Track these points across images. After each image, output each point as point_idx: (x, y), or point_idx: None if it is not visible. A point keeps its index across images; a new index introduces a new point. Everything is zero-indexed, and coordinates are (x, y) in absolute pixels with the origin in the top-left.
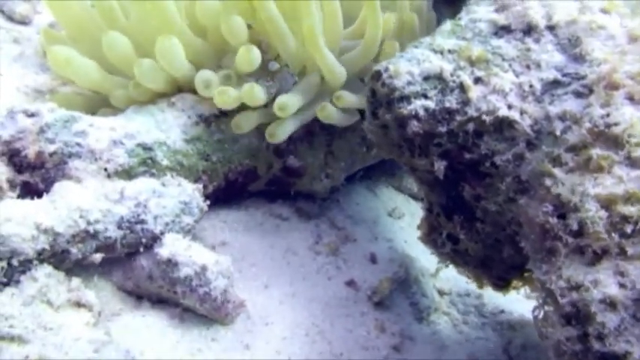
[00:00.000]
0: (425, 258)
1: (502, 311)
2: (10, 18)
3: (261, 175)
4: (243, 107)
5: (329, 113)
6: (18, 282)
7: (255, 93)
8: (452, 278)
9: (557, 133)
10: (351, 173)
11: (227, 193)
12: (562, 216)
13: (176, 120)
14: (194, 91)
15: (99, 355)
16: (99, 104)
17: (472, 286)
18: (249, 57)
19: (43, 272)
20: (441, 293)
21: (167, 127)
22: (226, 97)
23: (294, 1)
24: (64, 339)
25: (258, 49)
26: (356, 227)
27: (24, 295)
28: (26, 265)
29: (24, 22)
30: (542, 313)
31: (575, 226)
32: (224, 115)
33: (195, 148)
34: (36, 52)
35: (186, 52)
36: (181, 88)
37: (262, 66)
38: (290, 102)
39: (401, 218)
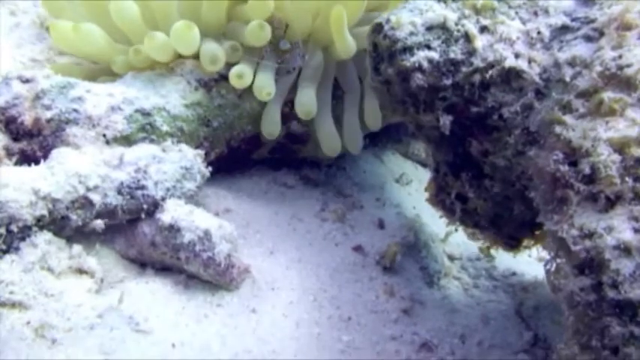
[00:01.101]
0: (434, 223)
1: (514, 273)
2: None
3: (264, 142)
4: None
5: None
6: (18, 249)
7: (268, 91)
8: (462, 243)
9: (567, 79)
10: None
11: (230, 161)
12: (573, 163)
13: (175, 85)
14: (194, 57)
15: (102, 321)
16: (98, 74)
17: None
18: (261, 34)
19: (43, 239)
20: (452, 258)
21: (166, 93)
22: (245, 80)
23: None
24: (65, 305)
25: (270, 24)
26: (363, 194)
27: (24, 262)
28: (25, 232)
29: None
30: (554, 266)
31: (587, 171)
32: (224, 79)
33: (195, 114)
34: (33, 22)
35: (189, 19)
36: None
37: (273, 42)
38: (310, 101)
39: (409, 184)
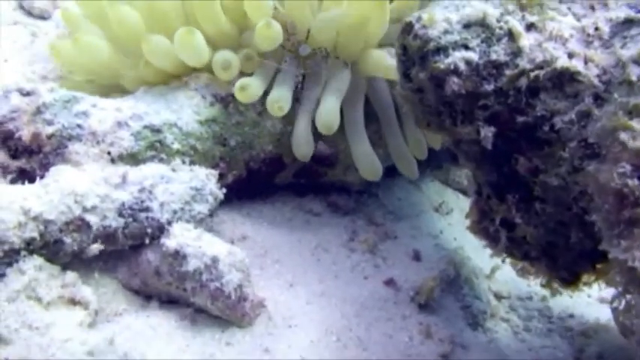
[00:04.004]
0: (478, 257)
1: (571, 315)
2: (30, 13)
3: (287, 164)
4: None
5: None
6: (3, 275)
7: (282, 106)
8: (510, 280)
9: (634, 79)
10: (391, 164)
11: (250, 185)
12: None
13: (189, 100)
14: (210, 70)
15: (91, 359)
16: (110, 91)
17: (535, 288)
18: (269, 33)
19: (33, 264)
20: (499, 297)
21: (178, 108)
22: (250, 92)
23: None
24: (51, 340)
25: (285, 31)
26: (397, 224)
27: (8, 290)
28: (13, 257)
29: (43, 16)
30: (623, 303)
31: None
32: None
33: (210, 131)
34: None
35: (203, 30)
36: (196, 69)
37: (292, 48)
38: (334, 114)
39: (449, 214)
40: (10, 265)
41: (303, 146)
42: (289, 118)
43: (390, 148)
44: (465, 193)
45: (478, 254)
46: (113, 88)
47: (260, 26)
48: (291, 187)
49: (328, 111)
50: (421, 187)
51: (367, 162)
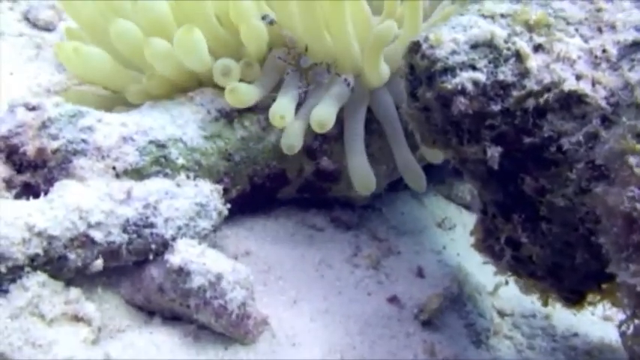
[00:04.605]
0: (482, 274)
1: (575, 334)
2: (35, 25)
3: (291, 180)
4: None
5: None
6: (6, 291)
7: (284, 118)
8: (514, 297)
9: None
10: (395, 179)
11: (254, 200)
12: None
13: (194, 115)
14: (216, 85)
15: None
16: (114, 103)
17: (538, 306)
18: (252, 32)
19: (36, 280)
20: (502, 314)
21: (184, 123)
22: (238, 94)
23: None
24: (54, 357)
25: (285, 45)
26: (400, 239)
27: (11, 307)
28: (16, 273)
29: (47, 28)
30: (631, 328)
31: None
32: (248, 109)
33: (215, 147)
34: (54, 53)
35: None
36: (202, 81)
37: (293, 62)
38: (327, 116)
39: (452, 230)
40: (13, 281)
41: (291, 137)
42: None
43: (396, 160)
44: (468, 208)
45: (481, 270)
46: (117, 101)
47: (243, 29)
48: (294, 201)
49: (323, 110)
50: (424, 201)
51: (362, 174)
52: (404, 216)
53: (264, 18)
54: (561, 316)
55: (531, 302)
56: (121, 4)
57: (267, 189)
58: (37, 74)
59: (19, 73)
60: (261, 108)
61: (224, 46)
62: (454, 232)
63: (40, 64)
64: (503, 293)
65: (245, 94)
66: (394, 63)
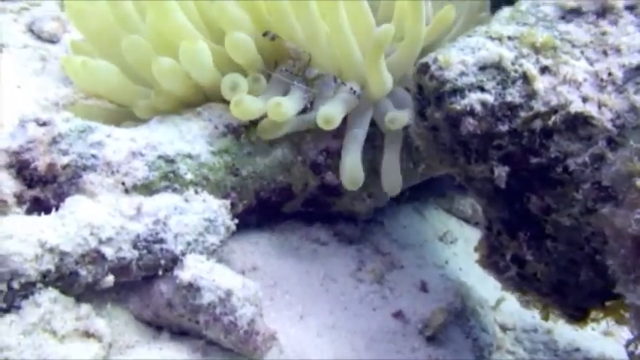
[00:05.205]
0: (483, 288)
1: (577, 349)
2: (39, 36)
3: (296, 194)
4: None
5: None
6: (19, 308)
7: (283, 110)
8: (515, 312)
9: None
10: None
11: (259, 214)
12: None
13: (202, 130)
14: (223, 100)
15: None
16: (122, 118)
17: (540, 320)
18: (237, 44)
19: (48, 297)
20: (504, 328)
21: (192, 138)
22: (243, 106)
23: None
24: None
25: (289, 58)
26: (403, 253)
27: (24, 323)
28: (28, 289)
29: (52, 40)
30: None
31: None
32: (255, 125)
33: (222, 162)
34: (61, 67)
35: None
36: (209, 97)
37: (299, 73)
38: (334, 113)
39: (454, 243)
40: (25, 297)
41: (268, 135)
42: (299, 148)
43: (383, 161)
44: (468, 221)
45: (483, 284)
46: (125, 115)
47: (227, 41)
48: (298, 214)
49: (330, 107)
50: (425, 215)
51: (352, 170)
52: (406, 229)
53: (265, 34)
54: (563, 330)
55: (532, 317)
56: (129, 17)
57: (273, 203)
58: (43, 87)
59: (27, 86)
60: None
61: (229, 61)
62: (455, 246)
63: (46, 77)
64: (504, 307)
65: (250, 105)
66: (398, 72)
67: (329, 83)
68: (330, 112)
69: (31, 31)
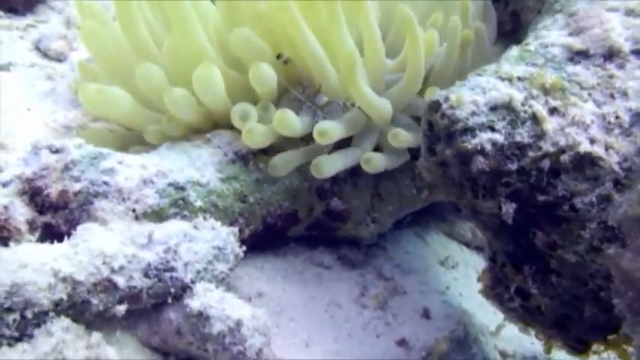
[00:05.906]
0: (483, 313)
1: None
2: (45, 55)
3: (301, 219)
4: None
5: (376, 163)
6: (31, 336)
7: (288, 120)
8: (515, 338)
9: None
10: (399, 218)
11: (265, 238)
12: None
13: (211, 157)
14: (231, 127)
15: None
16: (131, 141)
17: (539, 346)
18: (259, 74)
19: (60, 326)
20: (504, 355)
21: (201, 165)
22: (255, 135)
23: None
24: None
25: (299, 84)
26: (405, 278)
27: (37, 352)
28: (41, 318)
29: (59, 58)
30: None
31: None
32: (263, 152)
33: (231, 188)
34: (69, 88)
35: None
36: (217, 123)
37: (309, 99)
38: (331, 128)
39: (454, 268)
40: (38, 326)
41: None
42: (305, 175)
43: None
44: (469, 246)
45: (483, 309)
46: (134, 140)
47: (253, 70)
48: (302, 238)
49: (329, 123)
50: (427, 239)
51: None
52: (408, 254)
53: (279, 57)
54: (561, 357)
55: (532, 343)
56: (144, 43)
57: (279, 228)
58: (52, 110)
59: (36, 108)
60: (272, 149)
61: (241, 88)
62: (456, 271)
63: (55, 98)
64: (504, 333)
65: (261, 135)
66: (400, 105)
67: (337, 110)
68: (327, 126)
69: (38, 48)
